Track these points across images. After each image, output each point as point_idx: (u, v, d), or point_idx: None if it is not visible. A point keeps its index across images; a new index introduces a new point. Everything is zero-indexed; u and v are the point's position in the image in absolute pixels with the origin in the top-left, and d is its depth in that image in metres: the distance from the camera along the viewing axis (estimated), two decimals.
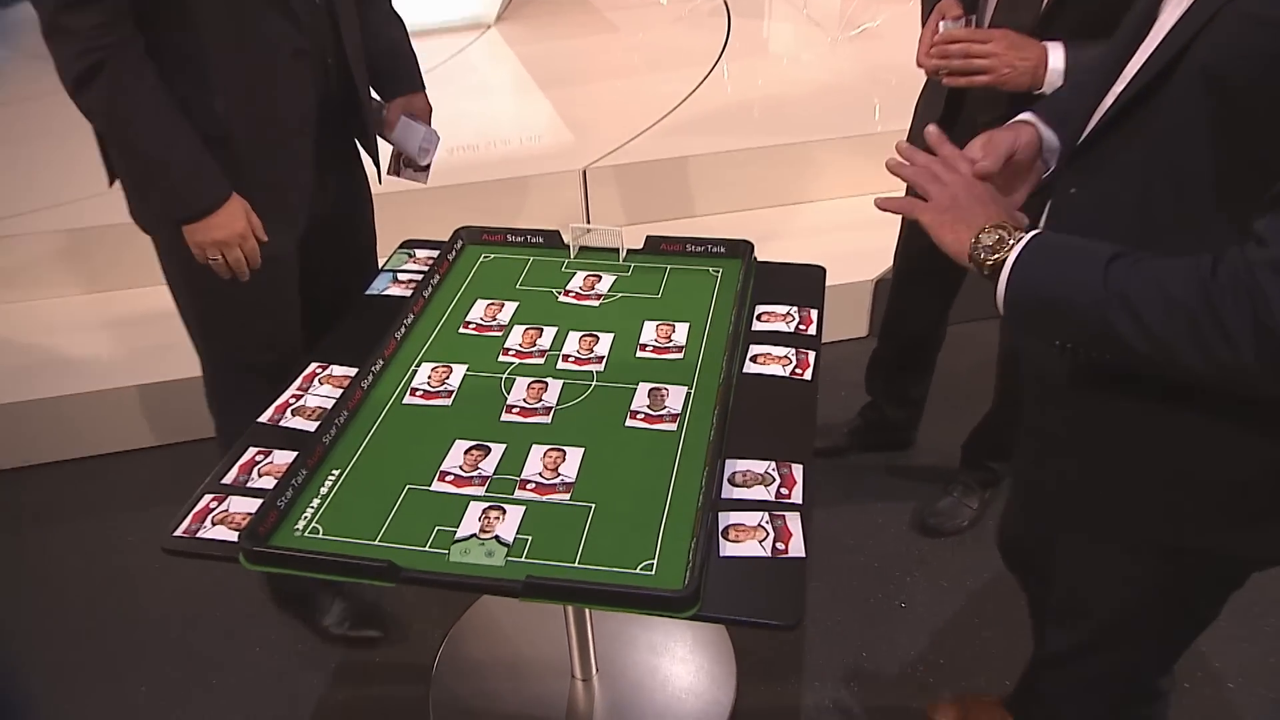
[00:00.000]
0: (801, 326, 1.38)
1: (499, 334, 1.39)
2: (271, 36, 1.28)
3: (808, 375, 1.28)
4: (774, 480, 1.10)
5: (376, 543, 1.04)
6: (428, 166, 1.59)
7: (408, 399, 1.27)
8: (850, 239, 2.35)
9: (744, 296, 1.42)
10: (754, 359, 1.32)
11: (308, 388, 1.30)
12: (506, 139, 2.80)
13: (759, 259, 1.53)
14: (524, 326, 1.41)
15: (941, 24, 1.40)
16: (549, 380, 1.29)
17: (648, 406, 1.23)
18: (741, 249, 1.53)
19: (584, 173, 2.62)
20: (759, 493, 1.08)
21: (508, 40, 3.66)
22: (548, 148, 2.72)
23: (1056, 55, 1.28)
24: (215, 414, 1.57)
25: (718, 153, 2.64)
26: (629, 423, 1.19)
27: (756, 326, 1.39)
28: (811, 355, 1.32)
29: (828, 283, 1.49)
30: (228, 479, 1.14)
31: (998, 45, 1.29)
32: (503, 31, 3.73)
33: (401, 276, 1.56)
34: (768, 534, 1.03)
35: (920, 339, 1.92)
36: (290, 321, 1.49)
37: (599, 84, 3.21)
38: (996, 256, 0.80)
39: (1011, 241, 0.80)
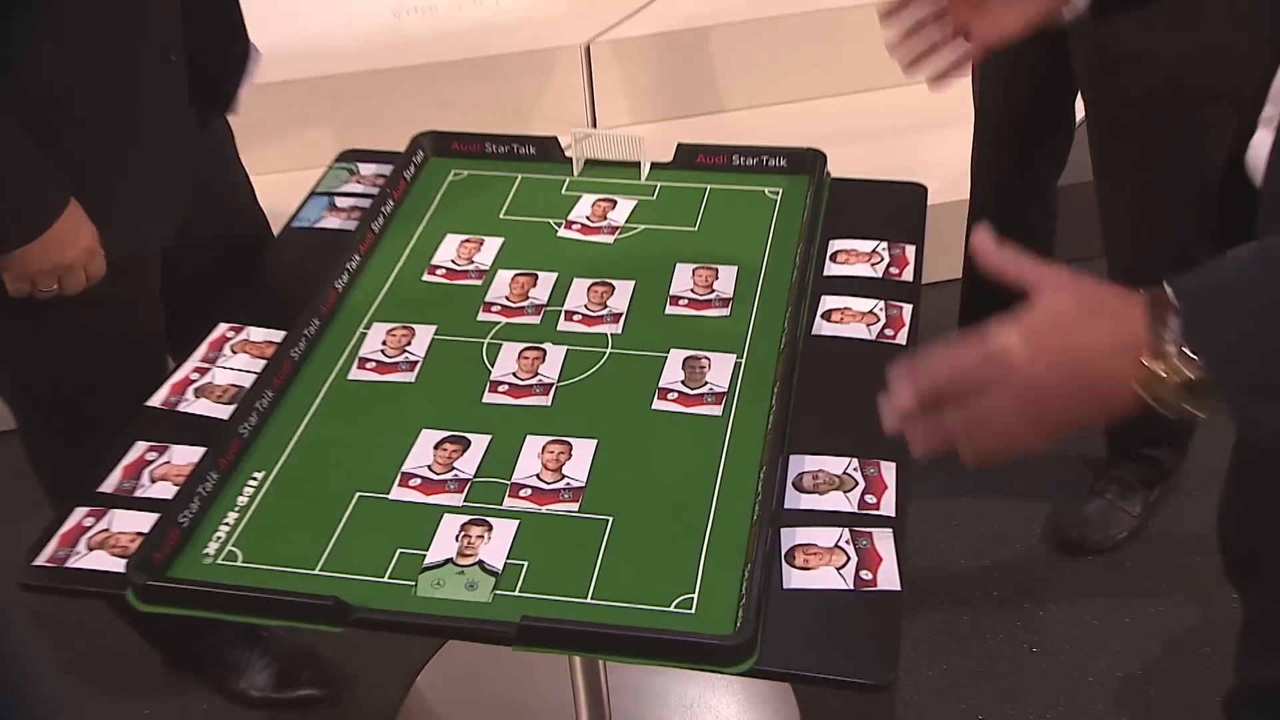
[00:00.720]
0: (893, 270, 1.39)
1: (477, 282, 1.41)
2: None
3: (902, 338, 1.29)
4: (856, 484, 1.12)
5: (317, 572, 1.07)
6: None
7: (355, 373, 1.29)
8: (947, 141, 2.32)
9: (813, 228, 1.43)
10: (827, 316, 1.33)
11: (215, 357, 1.32)
12: (476, 2, 2.79)
13: (832, 175, 1.54)
14: (512, 272, 1.42)
15: None
16: (547, 347, 1.31)
17: (682, 382, 1.25)
18: (810, 161, 1.53)
19: (586, 50, 2.62)
20: (836, 501, 1.10)
21: None
22: (534, 13, 2.72)
23: None
24: (39, 470, 1.50)
25: (765, 18, 2.63)
26: (657, 405, 1.22)
27: (831, 270, 1.39)
28: (907, 310, 1.32)
29: (929, 204, 1.50)
30: (108, 486, 1.16)
31: None
32: None
33: (340, 202, 1.57)
34: (848, 559, 1.05)
35: (1025, 217, 1.98)
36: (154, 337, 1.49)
37: None
38: (1181, 380, 0.67)
39: (1173, 352, 0.67)
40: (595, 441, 1.18)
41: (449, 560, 1.07)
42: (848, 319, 1.32)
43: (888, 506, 1.10)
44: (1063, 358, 0.70)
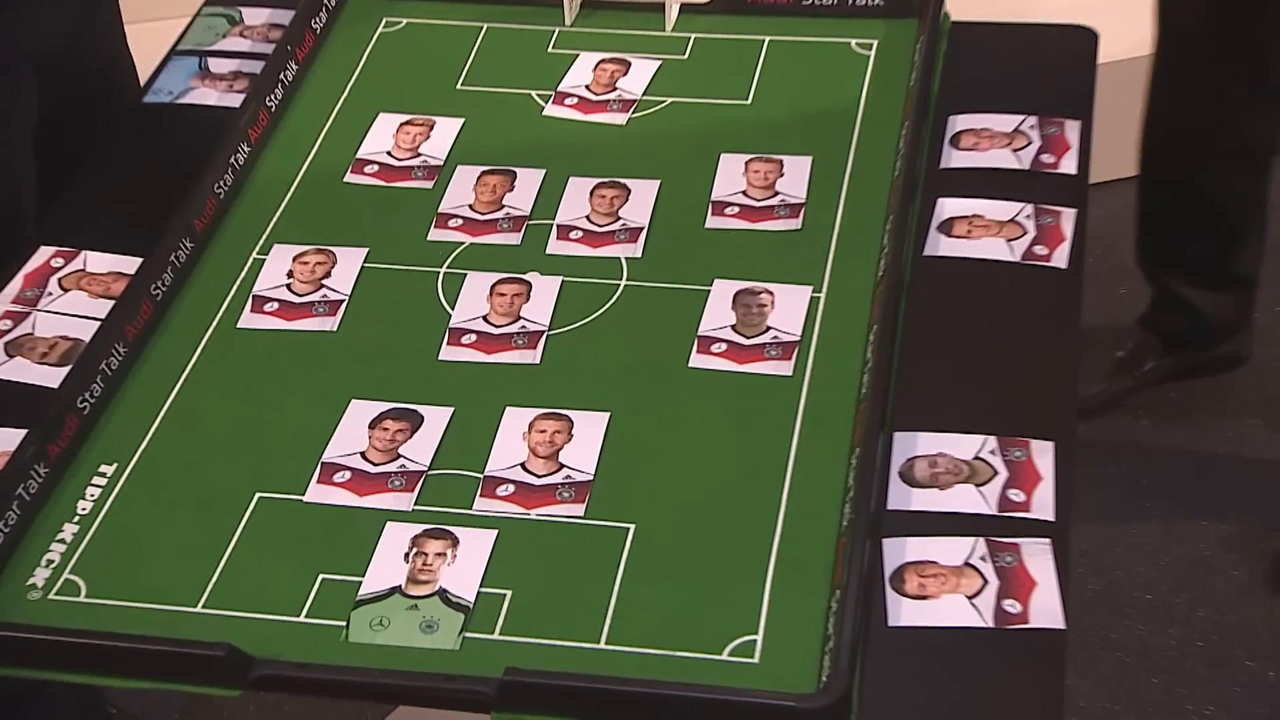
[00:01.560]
0: (1046, 158, 1.39)
1: (427, 184, 1.43)
2: None
3: (1060, 259, 1.29)
4: (994, 474, 1.12)
5: (199, 610, 1.07)
6: None
7: (248, 318, 1.30)
8: None
9: (925, 98, 1.42)
10: (948, 228, 1.33)
11: (36, 297, 1.33)
12: None
13: (953, 18, 1.55)
14: (477, 169, 1.43)
15: None
16: (533, 277, 1.32)
17: (734, 328, 1.25)
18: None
19: None
20: (965, 499, 1.11)
21: None
22: None
23: None
24: None
25: None
26: (698, 360, 1.23)
27: (953, 160, 1.40)
28: (1069, 219, 1.33)
29: (1100, 62, 1.50)
30: None
31: None
32: None
33: (217, 66, 1.58)
34: (985, 583, 1.05)
35: (1223, 151, 2.09)
36: None
37: None
38: None
39: None
40: (606, 416, 1.19)
41: (395, 590, 1.07)
42: (978, 232, 1.32)
43: (1042, 507, 1.10)
44: None
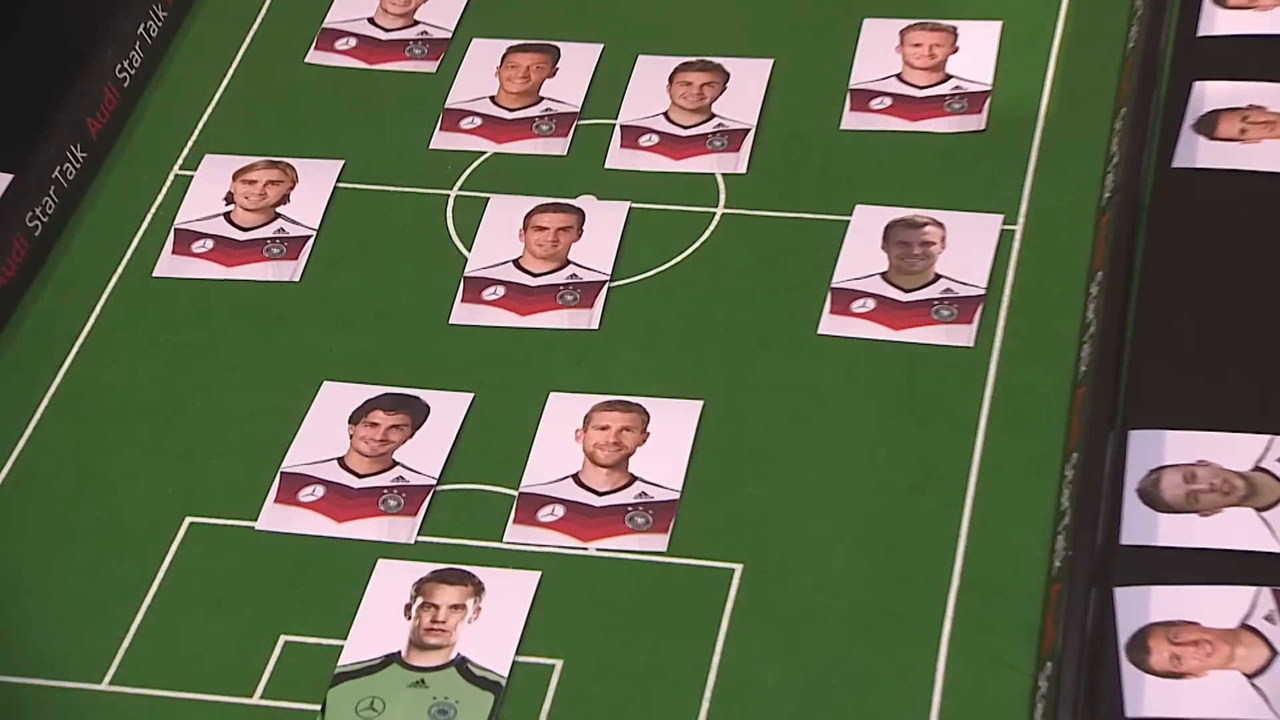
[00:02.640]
0: None
1: (429, 66, 1.46)
2: None
3: None
4: None
5: (104, 687, 1.09)
6: None
7: (169, 262, 1.34)
8: None
9: None
10: (1210, 125, 1.33)
11: None
12: None
13: None
14: (504, 43, 1.46)
15: None
16: (585, 201, 1.34)
17: (884, 275, 1.27)
18: None
19: None
20: (1241, 528, 1.11)
21: None
22: None
23: None
24: None
25: None
26: (829, 324, 1.27)
27: (1217, 24, 1.40)
28: None
29: None
30: None
31: None
32: None
33: None
34: (1274, 654, 1.05)
35: None
36: None
37: None
38: None
39: None
40: (699, 405, 1.21)
41: (392, 658, 1.09)
42: (1256, 131, 1.33)
43: None
44: None
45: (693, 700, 1.05)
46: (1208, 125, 1.33)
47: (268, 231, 1.34)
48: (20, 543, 1.18)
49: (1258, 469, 1.13)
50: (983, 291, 1.25)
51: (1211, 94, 1.35)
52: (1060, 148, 1.34)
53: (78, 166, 1.37)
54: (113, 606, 1.13)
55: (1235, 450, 1.14)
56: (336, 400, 1.23)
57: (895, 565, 1.11)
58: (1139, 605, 1.07)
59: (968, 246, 1.28)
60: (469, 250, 1.31)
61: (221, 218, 1.35)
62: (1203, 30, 1.39)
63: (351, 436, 1.21)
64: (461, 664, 1.08)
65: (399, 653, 1.09)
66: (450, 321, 1.28)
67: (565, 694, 1.06)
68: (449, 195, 1.36)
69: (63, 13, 1.49)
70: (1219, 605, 1.07)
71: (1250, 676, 1.04)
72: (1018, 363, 1.21)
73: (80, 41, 1.43)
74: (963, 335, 1.23)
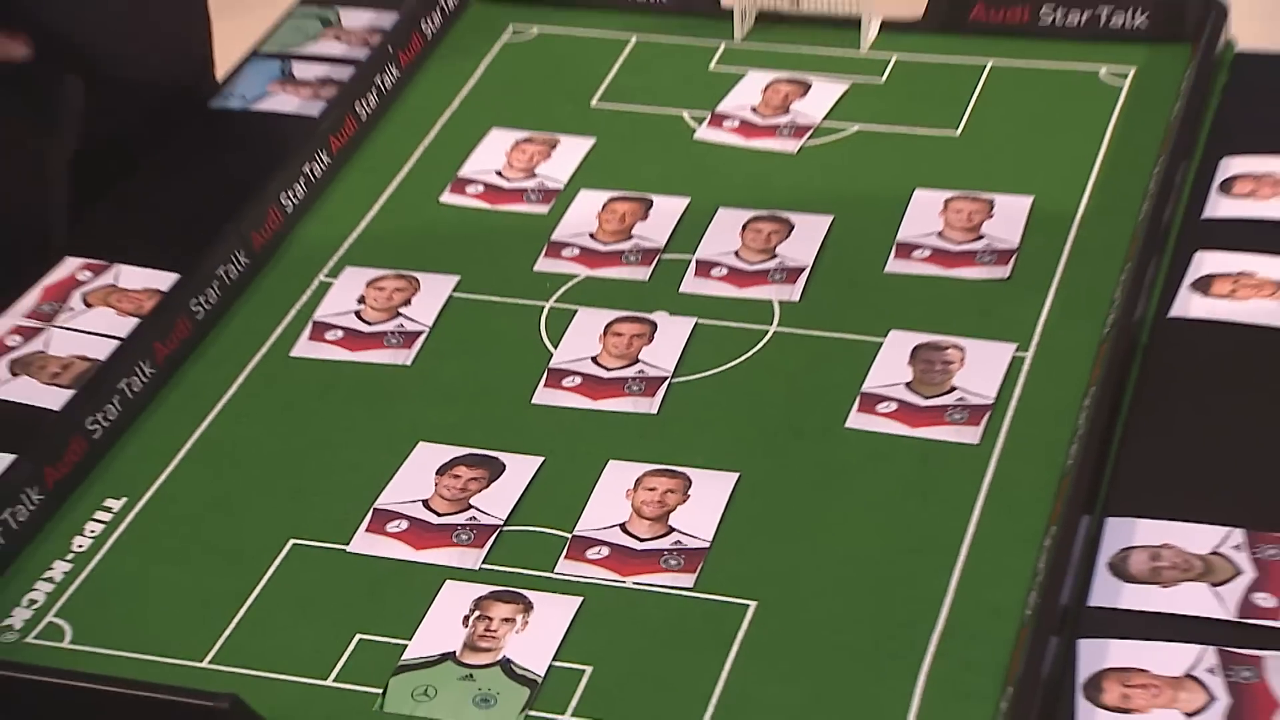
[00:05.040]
0: None
1: (542, 209, 1.51)
2: None
3: None
4: (1237, 573, 1.13)
5: (206, 665, 1.13)
6: None
7: (305, 346, 1.39)
8: None
9: (1189, 133, 1.47)
10: (1205, 286, 1.36)
11: (54, 312, 1.43)
12: None
13: (1240, 48, 1.61)
14: (605, 194, 1.51)
15: None
16: (659, 316, 1.38)
17: (909, 385, 1.30)
18: (1194, 19, 1.59)
19: None
20: (1194, 600, 1.12)
21: None
22: None
23: None
24: None
25: None
26: (858, 420, 1.29)
27: (1219, 209, 1.43)
28: None
29: None
30: None
31: None
32: None
33: (304, 71, 1.69)
34: (1211, 700, 1.04)
35: None
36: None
37: None
38: None
39: None
40: (735, 476, 1.23)
41: (447, 656, 1.12)
42: (1245, 292, 1.35)
43: None
44: None
45: (699, 708, 1.07)
46: (1203, 285, 1.36)
47: (389, 326, 1.39)
48: (153, 552, 1.23)
49: (1214, 553, 1.14)
50: (991, 402, 1.27)
51: (1210, 261, 1.38)
52: (1072, 295, 1.37)
53: (239, 269, 1.43)
54: (220, 604, 1.17)
55: (1196, 537, 1.16)
56: (428, 456, 1.27)
57: (890, 610, 1.13)
58: (1098, 653, 1.09)
59: (982, 366, 1.30)
60: (555, 348, 1.35)
61: (353, 314, 1.40)
62: (1208, 214, 1.42)
63: (436, 484, 1.24)
64: (505, 664, 1.11)
65: (454, 652, 1.12)
66: (532, 402, 1.31)
67: (591, 695, 1.09)
68: (544, 306, 1.40)
69: (249, 157, 1.57)
70: (1168, 658, 1.08)
71: (1189, 716, 1.04)
72: (1015, 460, 1.23)
73: (256, 178, 1.48)
74: (970, 435, 1.25)
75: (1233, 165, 1.47)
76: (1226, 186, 1.45)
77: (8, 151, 1.62)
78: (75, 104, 1.63)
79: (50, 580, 1.20)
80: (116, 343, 1.37)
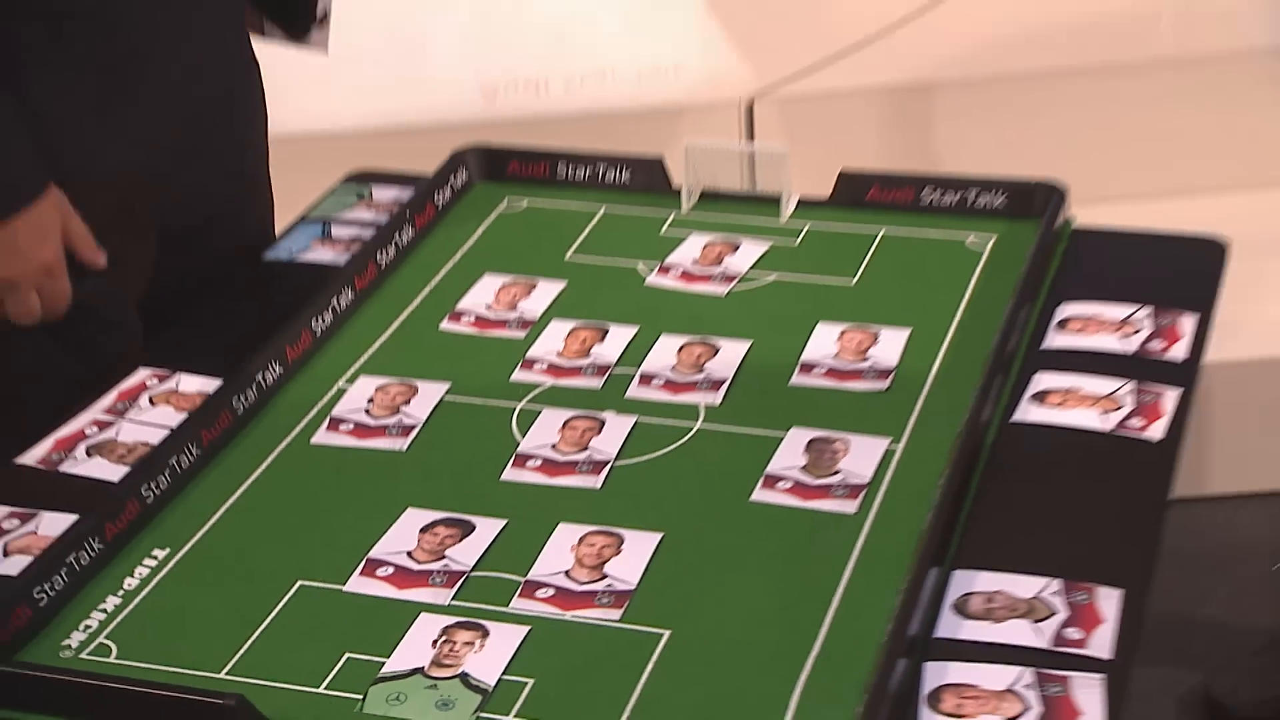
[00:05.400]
0: (1155, 345, 1.46)
1: (519, 334, 1.55)
2: None
3: (1157, 431, 1.35)
4: (1053, 613, 1.16)
5: (223, 675, 1.16)
6: (327, 19, 1.77)
7: (322, 435, 1.43)
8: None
9: (1034, 282, 1.52)
10: (1040, 398, 1.40)
11: (126, 409, 1.48)
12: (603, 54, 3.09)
13: (1078, 224, 1.66)
14: (571, 323, 1.56)
15: None
16: (607, 415, 1.42)
17: (803, 469, 1.33)
18: (1041, 199, 1.65)
19: (748, 108, 2.87)
20: (1018, 633, 1.15)
21: None
22: (684, 68, 3.00)
23: None
24: None
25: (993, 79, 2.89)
26: (761, 495, 1.32)
27: (1055, 341, 1.48)
28: (1171, 398, 1.39)
29: (1229, 271, 1.58)
30: None
31: None
32: None
33: (340, 231, 1.76)
34: (1025, 709, 1.07)
35: None
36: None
37: None
38: None
39: None
40: (659, 536, 1.27)
41: (417, 670, 1.14)
42: (1072, 403, 1.39)
43: (1100, 646, 1.13)
44: None
45: (618, 712, 1.10)
46: (1039, 398, 1.40)
47: (390, 420, 1.43)
48: (186, 590, 1.26)
49: (1036, 598, 1.18)
50: (867, 482, 1.31)
51: (1046, 380, 1.43)
52: (936, 405, 1.41)
53: (275, 375, 1.47)
54: (237, 630, 1.20)
55: (1024, 585, 1.19)
56: (414, 518, 1.30)
57: (777, 637, 1.16)
58: (940, 673, 1.12)
59: (862, 455, 1.34)
60: (523, 438, 1.39)
61: (363, 410, 1.44)
62: (1047, 346, 1.47)
63: (419, 540, 1.27)
64: (464, 677, 1.13)
65: (423, 667, 1.14)
66: (501, 478, 1.35)
67: (531, 702, 1.11)
68: (515, 407, 1.44)
69: (289, 295, 1.59)
70: (995, 676, 1.11)
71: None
72: (884, 526, 1.27)
73: (291, 312, 1.53)
74: (850, 506, 1.28)
75: (1067, 309, 1.52)
76: (1062, 325, 1.50)
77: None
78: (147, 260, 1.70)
79: (103, 610, 1.23)
80: (169, 430, 1.41)
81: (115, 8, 1.55)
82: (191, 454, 1.37)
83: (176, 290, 1.71)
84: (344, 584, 1.24)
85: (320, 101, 2.85)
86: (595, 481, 1.33)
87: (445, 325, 1.57)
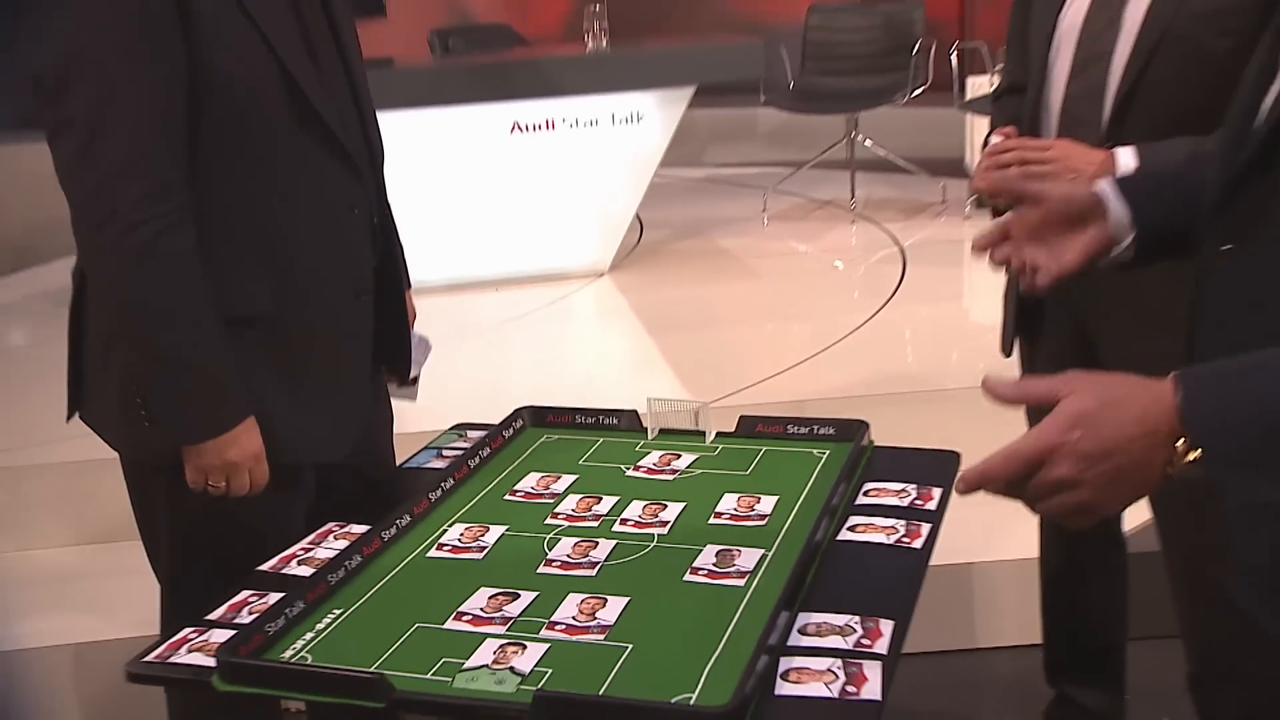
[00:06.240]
0: (918, 502, 1.58)
1: (550, 500, 1.67)
2: (332, 186, 1.53)
3: (918, 544, 1.47)
4: (854, 632, 1.26)
5: (372, 670, 1.26)
6: (417, 380, 1.89)
7: (433, 553, 1.53)
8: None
9: (850, 473, 1.65)
10: (853, 528, 1.52)
11: (320, 541, 1.60)
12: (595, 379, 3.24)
13: (876, 444, 1.78)
14: (580, 495, 1.67)
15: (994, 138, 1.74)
16: (600, 540, 1.53)
17: (713, 564, 1.45)
18: (855, 430, 1.79)
19: (695, 415, 3.04)
20: (833, 642, 1.24)
21: (620, 288, 4.29)
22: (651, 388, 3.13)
23: (1126, 156, 1.53)
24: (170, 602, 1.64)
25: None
26: (688, 577, 1.41)
27: (862, 500, 1.60)
28: (925, 528, 1.51)
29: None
30: (214, 615, 1.41)
31: (1058, 150, 1.57)
32: (616, 280, 4.37)
33: (447, 453, 1.89)
34: (837, 678, 1.18)
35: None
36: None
37: (728, 330, 3.72)
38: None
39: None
40: (629, 598, 1.38)
41: (484, 666, 1.25)
42: (870, 530, 1.51)
43: (881, 647, 1.24)
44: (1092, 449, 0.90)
45: (600, 683, 1.21)
46: (852, 527, 1.50)
47: (473, 544, 1.54)
48: (349, 632, 1.36)
49: (846, 624, 1.29)
50: (750, 570, 1.42)
51: (854, 519, 1.53)
52: (794, 532, 1.51)
53: (405, 520, 1.58)
54: (379, 648, 1.30)
55: (838, 618, 1.31)
56: (485, 592, 1.41)
57: (693, 646, 1.27)
58: (789, 663, 1.23)
59: (749, 558, 1.45)
60: (549, 552, 1.50)
61: (457, 539, 1.55)
62: (858, 502, 1.58)
63: (487, 601, 1.39)
64: (511, 668, 1.25)
65: (488, 664, 1.26)
66: (536, 572, 1.46)
67: (552, 679, 1.22)
68: (544, 537, 1.55)
69: (420, 486, 1.69)
70: (819, 663, 1.23)
71: (826, 684, 1.18)
72: (760, 591, 1.37)
73: (410, 493, 1.65)
74: (740, 582, 1.39)
75: (869, 485, 1.63)
76: (867, 493, 1.61)
77: None
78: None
79: (304, 640, 1.33)
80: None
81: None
82: (356, 559, 1.48)
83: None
84: (443, 624, 1.35)
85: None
86: (592, 573, 1.44)
87: (507, 498, 1.68)
